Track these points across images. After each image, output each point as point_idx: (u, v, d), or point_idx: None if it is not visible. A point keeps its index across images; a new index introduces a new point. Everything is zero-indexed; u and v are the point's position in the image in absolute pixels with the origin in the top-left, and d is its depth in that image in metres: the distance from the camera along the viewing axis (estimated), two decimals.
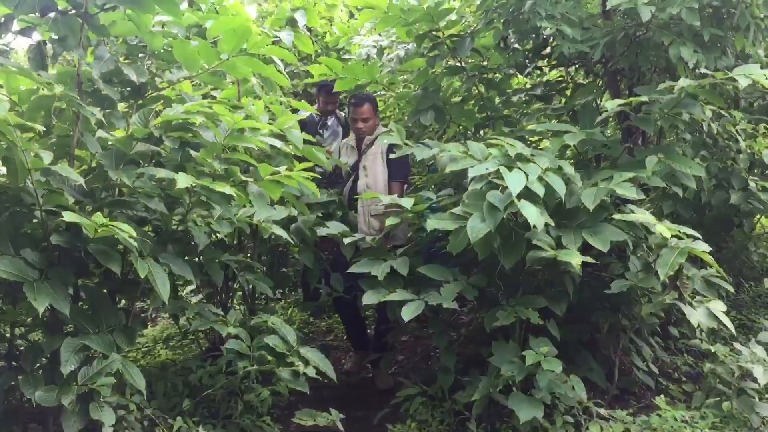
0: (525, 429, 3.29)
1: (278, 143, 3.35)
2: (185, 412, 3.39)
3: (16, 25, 3.05)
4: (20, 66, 2.95)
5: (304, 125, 5.15)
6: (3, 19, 2.98)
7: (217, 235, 3.70)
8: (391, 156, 4.30)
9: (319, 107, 5.58)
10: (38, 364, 3.02)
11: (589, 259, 3.21)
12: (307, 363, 3.36)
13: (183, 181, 2.76)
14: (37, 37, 3.11)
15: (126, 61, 3.36)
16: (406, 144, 3.85)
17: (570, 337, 3.80)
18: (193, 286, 4.99)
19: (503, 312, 3.44)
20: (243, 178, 3.30)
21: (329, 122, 5.75)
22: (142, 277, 2.75)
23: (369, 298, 3.62)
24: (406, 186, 4.55)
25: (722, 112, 4.12)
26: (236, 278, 4.09)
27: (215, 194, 2.96)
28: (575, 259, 3.10)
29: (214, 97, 3.88)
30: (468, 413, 3.60)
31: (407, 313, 3.43)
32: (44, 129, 2.85)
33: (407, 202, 3.74)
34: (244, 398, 3.63)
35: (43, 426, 3.02)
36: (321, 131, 5.70)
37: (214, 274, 3.52)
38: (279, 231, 3.65)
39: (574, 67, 4.96)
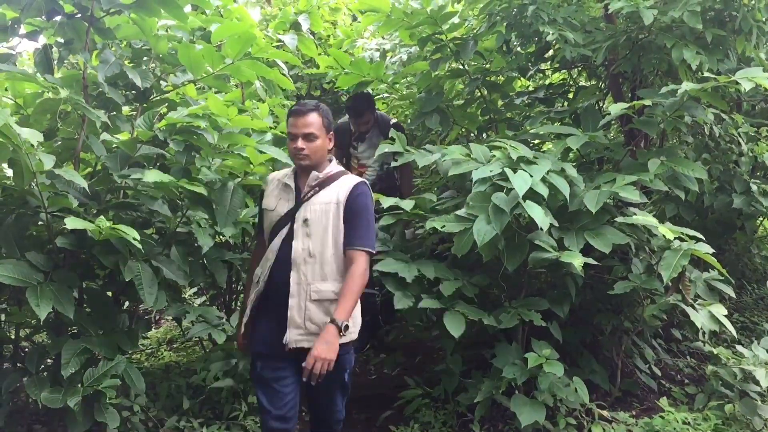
0: (527, 431, 3.30)
1: (274, 150, 3.33)
2: (189, 413, 3.41)
3: (22, 29, 3.07)
4: (24, 71, 2.97)
5: (337, 132, 4.85)
6: (10, 22, 3.00)
7: (222, 237, 3.72)
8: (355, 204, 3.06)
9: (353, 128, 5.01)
10: (43, 366, 3.04)
11: (591, 261, 3.22)
12: None
13: (152, 176, 2.78)
14: (43, 40, 3.13)
15: (131, 65, 3.38)
16: (407, 150, 3.85)
17: (572, 339, 3.81)
18: (196, 288, 5.01)
19: (507, 314, 3.45)
20: (231, 184, 3.27)
21: (368, 134, 4.97)
22: (126, 279, 2.80)
23: (401, 303, 3.48)
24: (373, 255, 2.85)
25: (724, 115, 4.13)
26: (240, 279, 4.11)
27: (190, 193, 2.99)
28: (577, 261, 3.11)
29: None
30: (471, 415, 3.62)
31: (456, 330, 3.33)
32: (44, 135, 2.87)
33: (407, 204, 3.67)
34: (248, 400, 3.65)
35: (48, 427, 3.04)
36: (356, 143, 5.02)
37: (218, 274, 3.53)
38: None
39: (576, 70, 4.98)
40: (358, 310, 2.74)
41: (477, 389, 3.50)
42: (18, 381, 2.89)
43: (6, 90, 3.32)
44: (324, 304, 2.64)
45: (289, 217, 2.73)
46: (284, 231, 2.73)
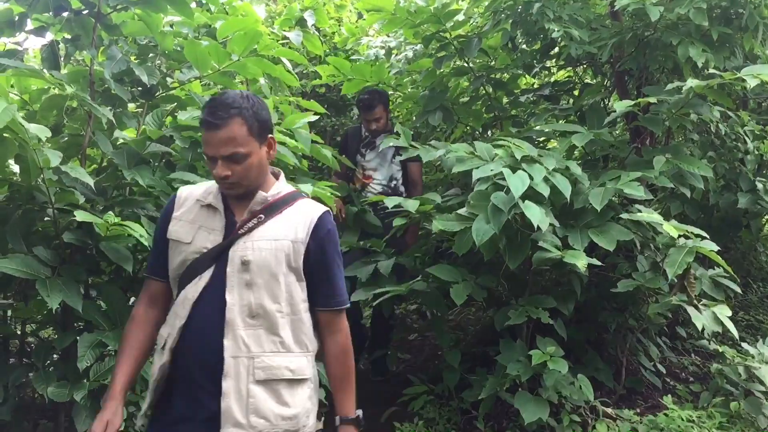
0: (531, 428, 3.31)
1: (289, 154, 3.33)
2: None
3: (29, 25, 3.08)
4: (31, 67, 2.97)
5: (346, 139, 4.80)
6: (17, 18, 3.01)
7: None
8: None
9: (364, 128, 4.69)
10: (49, 361, 3.05)
11: (595, 262, 3.22)
12: None
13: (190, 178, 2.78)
14: (50, 36, 3.13)
15: (137, 61, 3.39)
16: (412, 146, 3.86)
17: (577, 336, 3.81)
18: None
19: (514, 311, 3.45)
20: None
21: (377, 141, 4.57)
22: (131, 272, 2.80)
23: (359, 295, 3.75)
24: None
25: (730, 112, 4.13)
26: None
27: None
28: (581, 261, 3.11)
29: None
30: (475, 412, 3.62)
31: (458, 296, 3.43)
32: (51, 131, 2.87)
33: (412, 205, 3.65)
34: None
35: (54, 422, 3.05)
36: (364, 150, 4.64)
37: None
38: None
39: (582, 68, 4.97)
40: (315, 387, 2.06)
41: (481, 386, 3.50)
42: (24, 376, 2.90)
43: (12, 86, 3.33)
44: (276, 387, 1.89)
45: (216, 256, 1.94)
46: (206, 276, 1.94)
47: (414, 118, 5.27)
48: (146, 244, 2.61)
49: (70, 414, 2.66)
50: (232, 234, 1.96)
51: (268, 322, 1.91)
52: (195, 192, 2.09)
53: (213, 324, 1.89)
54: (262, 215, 1.96)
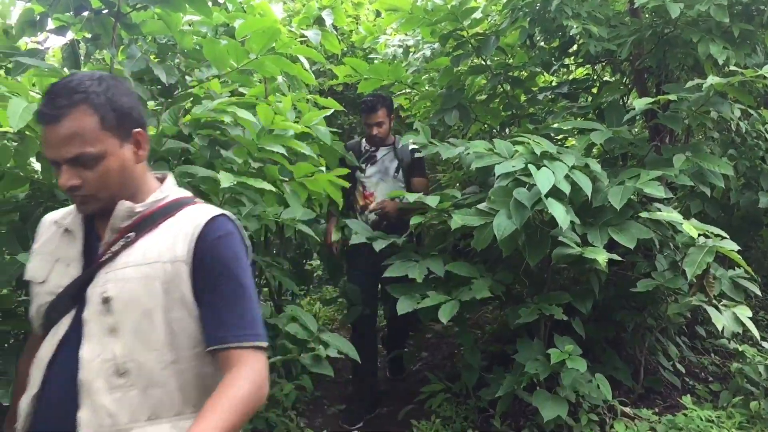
0: (549, 427, 3.29)
1: (308, 150, 3.34)
2: None
3: (50, 24, 3.11)
4: (52, 65, 3.01)
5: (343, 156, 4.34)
6: (38, 17, 3.04)
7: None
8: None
9: (365, 135, 4.39)
10: None
11: (615, 257, 3.20)
12: (327, 346, 3.37)
13: (226, 180, 2.77)
14: (70, 36, 3.16)
15: (156, 60, 3.41)
16: (431, 143, 3.86)
17: (595, 335, 3.80)
18: None
19: (527, 309, 3.44)
20: (280, 177, 3.29)
21: (379, 155, 4.30)
22: None
23: (404, 306, 3.46)
24: None
25: (751, 110, 4.08)
26: (263, 275, 4.14)
27: (250, 190, 2.98)
28: (601, 257, 3.09)
29: (243, 95, 3.93)
30: (492, 410, 3.62)
31: (445, 315, 3.33)
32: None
33: (432, 200, 3.64)
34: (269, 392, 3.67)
35: None
36: (365, 165, 4.32)
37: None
38: (306, 230, 3.68)
39: (600, 65, 4.94)
40: None
41: (499, 385, 3.49)
42: None
43: (34, 85, 3.37)
44: None
45: (75, 296, 1.45)
46: (64, 324, 1.45)
47: (431, 116, 5.27)
48: None
49: None
50: (93, 264, 1.46)
51: (144, 380, 1.38)
52: (55, 216, 1.63)
53: (68, 391, 1.37)
54: (131, 234, 1.45)
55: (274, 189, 2.96)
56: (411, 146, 4.11)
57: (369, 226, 4.07)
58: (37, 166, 2.85)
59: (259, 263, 3.82)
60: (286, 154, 3.26)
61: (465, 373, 3.79)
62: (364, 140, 4.39)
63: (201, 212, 1.52)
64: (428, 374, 4.13)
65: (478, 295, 3.40)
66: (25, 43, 3.32)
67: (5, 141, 2.69)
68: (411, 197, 3.64)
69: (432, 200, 3.55)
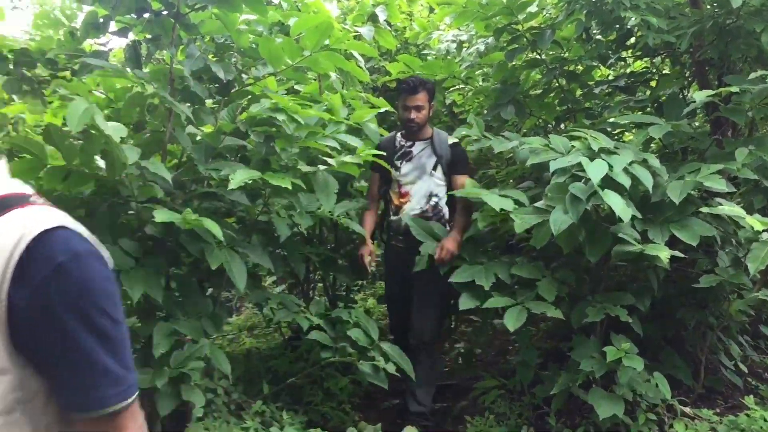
0: (605, 425, 3.25)
1: (359, 143, 3.34)
2: (269, 397, 3.50)
3: (113, 26, 3.21)
4: (115, 66, 3.10)
5: (379, 150, 3.85)
6: (101, 20, 3.15)
7: (299, 227, 3.80)
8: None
9: (401, 120, 3.96)
10: (133, 349, 3.19)
11: (678, 254, 3.14)
12: (387, 359, 3.41)
13: (238, 178, 2.81)
14: (132, 37, 3.26)
15: (214, 59, 3.49)
16: (485, 136, 3.83)
17: (654, 333, 3.72)
18: (275, 277, 5.13)
19: (592, 308, 3.39)
20: (306, 168, 3.25)
21: (415, 150, 3.91)
22: (213, 267, 2.86)
23: (467, 303, 3.42)
24: None
25: None
26: (317, 270, 4.19)
27: (273, 187, 3.02)
28: (663, 254, 3.02)
29: (298, 92, 3.99)
30: (547, 408, 3.58)
31: (511, 322, 3.25)
32: (134, 128, 2.99)
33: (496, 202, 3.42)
34: (324, 386, 3.73)
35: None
36: (399, 162, 3.94)
37: (297, 266, 3.62)
38: (357, 228, 3.72)
39: (660, 58, 4.83)
40: None
41: (553, 382, 3.46)
42: None
43: (98, 85, 3.48)
44: None
45: None
46: None
47: (485, 111, 5.24)
48: (221, 239, 2.70)
49: (152, 398, 2.77)
50: None
51: None
52: None
53: None
54: None
55: (290, 186, 2.95)
56: (450, 140, 3.89)
57: (404, 228, 3.89)
58: (102, 163, 2.95)
59: (313, 259, 3.88)
60: (339, 148, 3.29)
61: (520, 370, 3.76)
62: (399, 135, 4.01)
63: (28, 222, 0.98)
64: (481, 371, 4.12)
65: (549, 312, 3.33)
66: (90, 45, 3.43)
67: (71, 140, 2.79)
68: (462, 192, 3.61)
69: (497, 201, 3.38)
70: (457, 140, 3.90)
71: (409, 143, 3.94)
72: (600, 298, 3.46)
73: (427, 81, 3.90)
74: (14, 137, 3.08)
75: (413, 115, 3.80)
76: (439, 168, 3.89)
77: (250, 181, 2.91)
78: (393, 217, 3.99)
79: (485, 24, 4.56)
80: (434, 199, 3.90)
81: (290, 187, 2.96)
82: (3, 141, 4.63)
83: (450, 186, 3.89)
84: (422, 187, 3.89)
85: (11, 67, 3.32)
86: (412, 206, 3.89)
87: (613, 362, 3.19)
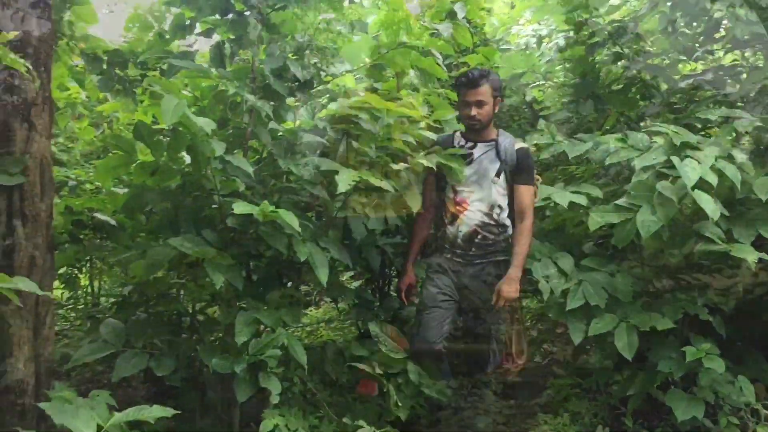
0: (684, 428, 3.16)
1: (433, 136, 3.35)
2: (344, 387, 3.57)
3: (198, 28, 3.36)
4: (200, 66, 3.24)
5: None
6: (188, 22, 3.30)
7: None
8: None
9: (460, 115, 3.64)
10: (214, 336, 3.33)
11: (765, 256, 3.02)
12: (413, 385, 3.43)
13: (345, 180, 2.86)
14: (216, 37, 3.40)
15: (294, 57, 3.58)
16: (558, 141, 3.76)
17: (738, 335, 3.59)
18: (352, 272, 5.22)
19: (669, 307, 3.31)
20: (395, 166, 3.24)
21: (476, 153, 3.53)
22: (302, 259, 2.93)
23: (577, 335, 3.34)
24: None
25: None
26: (393, 264, 4.23)
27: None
28: (751, 256, 2.92)
29: (375, 90, 4.04)
30: (623, 408, 3.51)
31: (624, 347, 3.16)
32: (218, 124, 3.11)
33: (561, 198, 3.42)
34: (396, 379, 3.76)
35: (215, 391, 3.31)
36: None
37: (371, 259, 3.67)
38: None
39: (750, 50, 4.64)
40: None
41: (630, 382, 3.39)
42: (193, 349, 3.18)
43: (186, 84, 3.64)
44: None
45: None
46: None
47: (563, 107, 5.16)
48: (299, 232, 2.78)
49: (231, 384, 2.89)
50: None
51: None
52: None
53: None
54: None
55: (390, 188, 2.97)
56: (518, 145, 3.54)
57: (460, 240, 3.55)
58: (188, 159, 3.09)
59: (388, 251, 3.92)
60: (415, 143, 3.32)
61: (598, 370, 3.70)
62: (458, 134, 3.64)
63: None
64: (556, 369, 4.07)
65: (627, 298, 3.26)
66: (178, 45, 3.59)
67: (160, 136, 2.94)
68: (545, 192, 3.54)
69: (561, 197, 3.37)
70: (524, 145, 3.58)
71: (469, 144, 3.55)
72: (680, 296, 3.37)
73: (490, 72, 3.49)
74: (108, 135, 3.28)
75: (474, 111, 3.43)
76: (502, 175, 3.51)
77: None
78: (448, 227, 3.59)
79: (565, 18, 4.50)
80: (496, 211, 3.52)
81: (388, 188, 3.00)
82: (99, 139, 4.91)
83: (511, 195, 3.54)
84: (481, 195, 3.51)
85: (105, 67, 3.52)
86: (471, 216, 3.51)
87: (693, 363, 3.10)
